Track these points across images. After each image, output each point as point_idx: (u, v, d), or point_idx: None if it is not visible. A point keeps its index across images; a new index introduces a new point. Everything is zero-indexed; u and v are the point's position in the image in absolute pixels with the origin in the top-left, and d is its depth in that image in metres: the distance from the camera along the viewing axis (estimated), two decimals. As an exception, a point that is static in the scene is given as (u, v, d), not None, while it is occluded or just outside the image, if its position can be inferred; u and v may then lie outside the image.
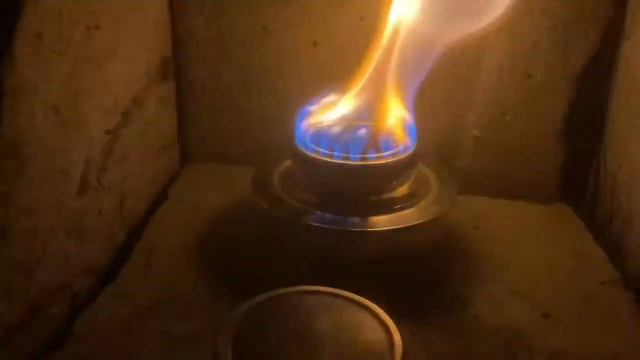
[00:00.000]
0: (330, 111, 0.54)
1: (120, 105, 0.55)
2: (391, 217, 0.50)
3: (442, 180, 0.56)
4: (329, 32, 0.66)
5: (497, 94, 0.65)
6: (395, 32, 0.53)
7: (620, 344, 0.46)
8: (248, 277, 0.52)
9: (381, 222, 0.49)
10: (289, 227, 0.50)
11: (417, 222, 0.50)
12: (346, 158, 0.50)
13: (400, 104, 0.54)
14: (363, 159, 0.50)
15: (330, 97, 0.54)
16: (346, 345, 0.38)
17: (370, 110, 0.54)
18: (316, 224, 0.49)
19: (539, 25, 0.62)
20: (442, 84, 0.65)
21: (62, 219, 0.46)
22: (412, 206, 0.52)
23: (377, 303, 0.40)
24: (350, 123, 0.55)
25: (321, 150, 0.51)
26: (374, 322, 0.39)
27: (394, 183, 0.52)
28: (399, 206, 0.51)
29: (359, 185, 0.51)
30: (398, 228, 0.49)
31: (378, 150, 0.51)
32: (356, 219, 0.49)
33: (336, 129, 0.54)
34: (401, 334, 0.38)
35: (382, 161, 0.50)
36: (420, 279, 0.52)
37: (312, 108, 0.54)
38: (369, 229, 0.49)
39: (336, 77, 0.54)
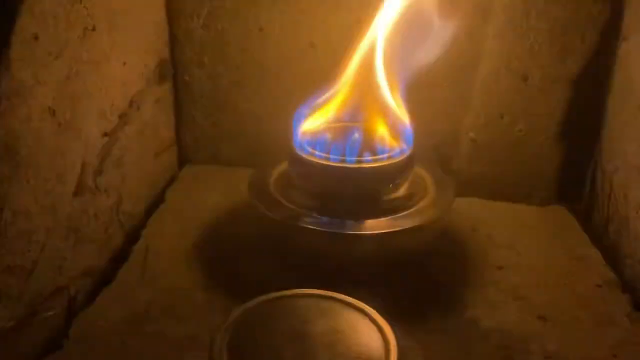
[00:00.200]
0: (325, 112, 0.54)
1: (117, 107, 0.55)
2: (388, 220, 0.50)
3: (439, 182, 0.56)
4: (326, 34, 0.66)
5: (493, 97, 0.65)
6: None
7: (616, 346, 0.47)
8: (244, 279, 0.52)
9: (377, 225, 0.49)
10: (285, 229, 0.50)
11: (414, 225, 0.50)
12: (343, 161, 0.50)
13: (393, 102, 0.54)
14: (359, 161, 0.50)
15: (324, 98, 0.55)
16: (342, 348, 0.38)
17: (365, 111, 0.54)
18: (312, 227, 0.49)
19: (535, 28, 0.62)
20: (439, 86, 0.65)
21: (58, 222, 0.46)
22: (408, 209, 0.52)
23: (373, 306, 0.40)
24: (347, 125, 0.55)
25: (317, 152, 0.51)
26: (369, 325, 0.39)
27: (390, 185, 0.52)
28: (395, 209, 0.51)
29: (355, 188, 0.51)
30: (394, 231, 0.49)
31: (374, 153, 0.51)
32: (352, 222, 0.49)
33: (332, 131, 0.54)
34: (397, 336, 0.38)
35: (378, 164, 0.50)
36: (417, 281, 0.52)
37: (308, 109, 0.54)
38: (365, 232, 0.49)
39: (333, 79, 0.55)
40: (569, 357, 0.46)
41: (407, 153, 0.52)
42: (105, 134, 0.53)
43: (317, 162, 0.51)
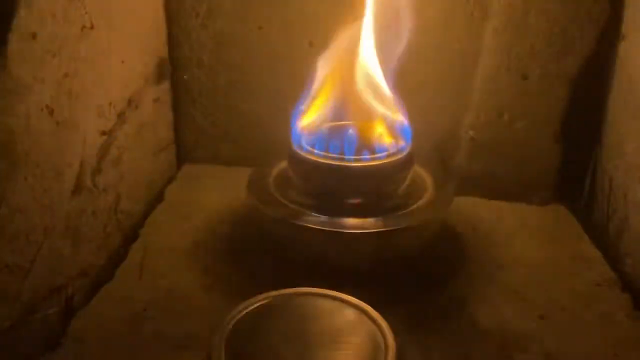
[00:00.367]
0: (320, 111, 0.54)
1: (116, 106, 0.55)
2: (387, 219, 0.50)
3: (438, 181, 0.56)
4: (324, 33, 0.65)
5: (493, 95, 0.65)
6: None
7: (616, 345, 0.46)
8: (243, 278, 0.52)
9: (377, 224, 0.49)
10: (284, 228, 0.50)
11: (413, 224, 0.50)
12: (342, 159, 0.50)
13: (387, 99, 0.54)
14: (358, 159, 0.50)
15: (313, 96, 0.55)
16: (341, 347, 0.38)
17: (363, 109, 0.54)
18: (312, 226, 0.49)
19: (535, 26, 0.62)
20: (439, 85, 0.65)
21: (56, 220, 0.46)
22: (408, 207, 0.52)
23: (372, 305, 0.40)
24: (346, 123, 0.55)
25: (316, 151, 0.51)
26: (369, 324, 0.39)
27: (389, 184, 0.52)
28: (395, 207, 0.51)
29: (354, 186, 0.51)
30: (394, 230, 0.49)
31: (373, 151, 0.51)
32: (352, 221, 0.49)
33: (331, 130, 0.54)
34: (396, 335, 0.38)
35: (377, 162, 0.50)
36: (416, 280, 0.52)
37: (303, 107, 0.54)
38: (364, 231, 0.49)
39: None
40: (569, 356, 0.45)
41: (407, 151, 0.52)
42: (104, 133, 0.52)
43: (316, 161, 0.51)
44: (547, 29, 0.62)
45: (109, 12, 0.51)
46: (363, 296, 0.41)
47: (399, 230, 0.49)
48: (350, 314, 0.40)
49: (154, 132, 0.65)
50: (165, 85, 0.67)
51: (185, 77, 0.69)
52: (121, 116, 0.56)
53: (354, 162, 0.50)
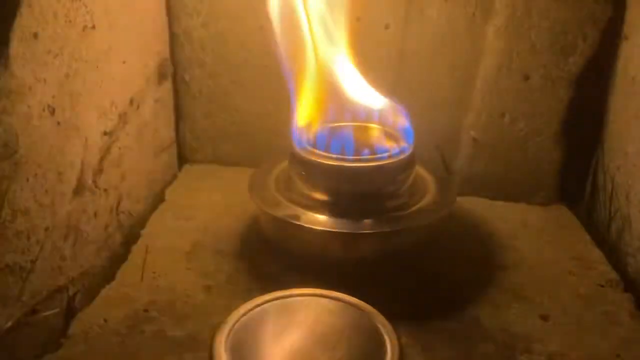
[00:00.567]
0: (320, 110, 0.54)
1: (117, 106, 0.54)
2: (388, 219, 0.50)
3: (440, 181, 0.55)
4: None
5: (495, 96, 0.65)
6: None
7: (619, 345, 0.46)
8: (244, 279, 0.52)
9: (378, 224, 0.49)
10: (285, 228, 0.50)
11: (415, 224, 0.50)
12: (343, 159, 0.50)
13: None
14: (360, 160, 0.50)
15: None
16: (342, 348, 0.37)
17: (363, 110, 0.54)
18: (313, 226, 0.48)
19: (536, 27, 0.62)
20: (440, 85, 0.65)
21: (57, 221, 0.46)
22: (409, 208, 0.52)
23: (375, 305, 0.40)
24: (347, 123, 0.55)
25: (317, 151, 0.51)
26: (370, 324, 0.39)
27: (391, 184, 0.52)
28: (396, 208, 0.51)
29: (356, 187, 0.51)
30: (395, 230, 0.49)
31: (375, 152, 0.51)
32: (353, 221, 0.49)
33: (333, 130, 0.54)
34: (399, 336, 0.38)
35: (379, 162, 0.50)
36: (418, 281, 0.52)
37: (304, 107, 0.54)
38: (365, 231, 0.49)
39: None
40: (571, 356, 0.45)
41: (408, 151, 0.52)
42: (105, 133, 0.52)
43: (318, 161, 0.50)
44: (548, 29, 0.62)
45: (110, 12, 0.51)
46: (365, 296, 0.41)
47: (400, 230, 0.49)
48: (351, 314, 0.40)
49: (155, 132, 0.65)
50: (167, 85, 0.67)
51: (186, 77, 0.69)
52: (122, 116, 0.55)
53: (355, 162, 0.50)
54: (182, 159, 0.72)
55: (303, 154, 0.51)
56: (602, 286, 0.53)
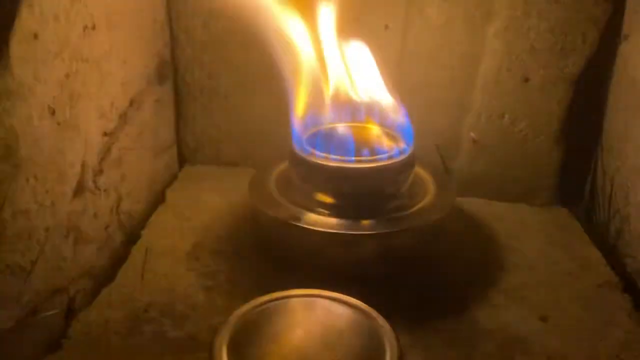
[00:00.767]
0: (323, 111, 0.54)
1: (118, 107, 0.55)
2: (388, 220, 0.50)
3: (440, 182, 0.56)
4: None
5: (494, 97, 0.65)
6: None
7: (618, 346, 0.46)
8: (245, 279, 0.52)
9: (378, 225, 0.49)
10: (285, 229, 0.50)
11: (414, 225, 0.50)
12: (343, 160, 0.50)
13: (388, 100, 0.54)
14: (360, 161, 0.50)
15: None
16: (342, 348, 0.37)
17: (363, 110, 0.54)
18: (312, 227, 0.48)
19: (536, 28, 0.62)
20: (440, 86, 0.65)
21: (58, 221, 0.46)
22: (409, 209, 0.52)
23: (375, 306, 0.40)
24: (347, 125, 0.55)
25: (318, 152, 0.51)
26: (370, 325, 0.39)
27: (391, 185, 0.52)
28: (396, 209, 0.51)
29: (355, 188, 0.51)
30: (395, 231, 0.49)
31: (375, 153, 0.51)
32: (353, 222, 0.49)
33: (333, 131, 0.54)
34: (398, 336, 0.38)
35: (378, 163, 0.50)
36: (417, 281, 0.52)
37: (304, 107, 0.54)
38: (365, 232, 0.49)
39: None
40: (570, 357, 0.45)
41: (408, 153, 0.52)
42: (105, 134, 0.52)
43: (318, 162, 0.50)
44: (548, 30, 0.62)
45: (110, 13, 0.51)
46: (364, 297, 0.41)
47: (400, 231, 0.49)
48: (351, 315, 0.40)
49: (155, 133, 0.65)
50: (167, 85, 0.67)
51: (186, 78, 0.69)
52: (123, 117, 0.56)
53: (355, 164, 0.50)
54: (182, 160, 0.72)
55: (303, 155, 0.51)
56: (601, 287, 0.53)
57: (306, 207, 0.51)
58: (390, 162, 0.50)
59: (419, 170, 0.55)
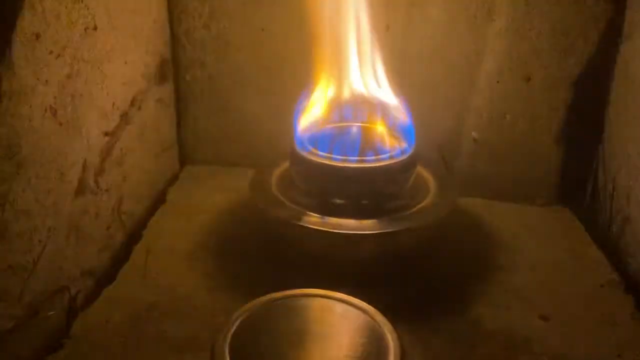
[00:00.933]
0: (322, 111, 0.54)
1: (119, 107, 0.55)
2: (389, 220, 0.50)
3: (441, 182, 0.55)
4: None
5: (496, 97, 0.65)
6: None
7: (620, 346, 0.46)
8: (246, 279, 0.52)
9: (379, 225, 0.49)
10: (287, 229, 0.50)
11: (416, 225, 0.50)
12: (344, 160, 0.50)
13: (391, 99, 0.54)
14: (361, 160, 0.50)
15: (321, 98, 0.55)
16: (344, 348, 0.37)
17: (365, 109, 0.54)
18: (314, 227, 0.48)
19: (537, 28, 0.62)
20: (441, 86, 0.65)
21: (59, 221, 0.46)
22: (410, 209, 0.52)
23: (375, 306, 0.40)
24: (348, 124, 0.55)
25: (319, 152, 0.51)
26: (372, 325, 0.39)
27: (392, 185, 0.52)
28: (397, 209, 0.51)
29: (357, 187, 0.51)
30: (396, 231, 0.49)
31: (376, 152, 0.51)
32: (354, 222, 0.49)
33: (334, 131, 0.54)
34: (399, 336, 0.38)
35: (380, 163, 0.50)
36: (419, 281, 0.52)
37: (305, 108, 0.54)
38: (366, 232, 0.49)
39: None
40: (572, 357, 0.45)
41: (410, 152, 0.52)
42: (107, 134, 0.52)
43: (319, 162, 0.50)
44: (549, 30, 0.62)
45: (112, 13, 0.51)
46: (365, 297, 0.41)
47: (401, 231, 0.49)
48: (352, 315, 0.40)
49: (156, 133, 0.65)
50: (168, 86, 0.67)
51: (187, 77, 0.69)
52: (124, 117, 0.56)
53: (356, 163, 0.50)
54: (184, 160, 0.73)
55: (304, 154, 0.51)
56: (603, 287, 0.53)
57: (307, 206, 0.51)
58: (392, 161, 0.50)
59: (420, 169, 0.55)
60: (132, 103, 0.57)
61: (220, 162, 0.72)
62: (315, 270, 0.47)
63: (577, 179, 0.67)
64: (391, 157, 0.51)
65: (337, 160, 0.50)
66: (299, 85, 0.66)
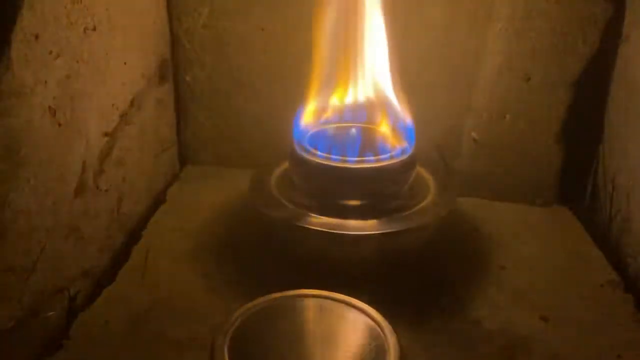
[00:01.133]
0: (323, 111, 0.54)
1: (118, 107, 0.55)
2: (389, 220, 0.50)
3: (440, 182, 0.55)
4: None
5: (495, 97, 0.65)
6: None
7: (620, 346, 0.46)
8: (245, 280, 0.52)
9: (379, 225, 0.49)
10: (286, 229, 0.50)
11: (415, 225, 0.50)
12: (344, 160, 0.50)
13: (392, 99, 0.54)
14: (361, 161, 0.50)
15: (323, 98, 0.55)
16: (342, 348, 0.37)
17: (365, 109, 0.54)
18: (313, 227, 0.48)
19: (537, 28, 0.62)
20: (441, 86, 0.65)
21: (59, 222, 0.46)
22: (410, 209, 0.52)
23: (374, 306, 0.40)
24: (348, 124, 0.55)
25: (319, 152, 0.51)
26: (371, 325, 0.39)
27: (392, 185, 0.52)
28: (397, 209, 0.51)
29: (356, 188, 0.51)
30: (396, 231, 0.49)
31: (376, 153, 0.51)
32: (353, 222, 0.49)
33: (334, 131, 0.54)
34: (399, 337, 0.38)
35: (380, 163, 0.50)
36: (418, 281, 0.52)
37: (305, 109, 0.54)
38: (366, 232, 0.49)
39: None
40: (572, 357, 0.45)
41: (409, 153, 0.52)
42: (106, 134, 0.52)
43: (318, 162, 0.50)
44: (549, 30, 0.62)
45: (111, 14, 0.51)
46: (365, 297, 0.41)
47: (401, 231, 0.49)
48: (352, 315, 0.40)
49: (156, 133, 0.65)
50: (168, 86, 0.67)
51: (187, 78, 0.69)
52: (123, 117, 0.56)
53: (356, 164, 0.50)
54: (183, 160, 0.73)
55: (303, 154, 0.51)
56: (603, 287, 0.53)
57: (306, 207, 0.51)
58: (391, 161, 0.50)
59: (420, 169, 0.55)
60: (132, 103, 0.57)
61: (220, 162, 0.72)
62: (314, 271, 0.47)
63: (576, 178, 0.67)
64: (391, 157, 0.51)
65: (337, 161, 0.50)
66: (298, 85, 0.66)
